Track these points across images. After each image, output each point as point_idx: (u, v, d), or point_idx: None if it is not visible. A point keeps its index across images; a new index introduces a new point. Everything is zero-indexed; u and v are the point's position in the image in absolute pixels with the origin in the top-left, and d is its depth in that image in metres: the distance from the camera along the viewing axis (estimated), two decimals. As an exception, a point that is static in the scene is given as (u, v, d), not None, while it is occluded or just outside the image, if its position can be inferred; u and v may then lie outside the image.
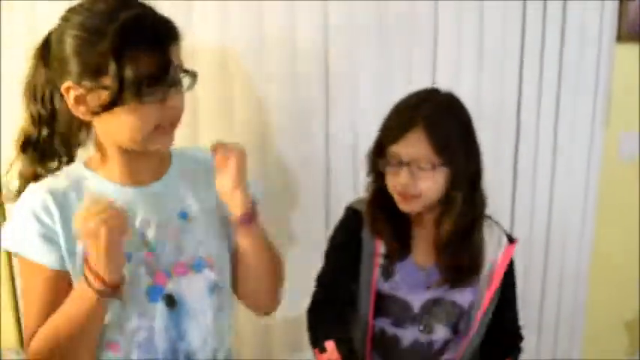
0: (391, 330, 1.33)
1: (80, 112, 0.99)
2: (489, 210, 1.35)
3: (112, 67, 0.92)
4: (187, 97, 1.59)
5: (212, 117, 1.67)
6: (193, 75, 1.02)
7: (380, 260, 1.31)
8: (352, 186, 1.83)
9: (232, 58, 1.66)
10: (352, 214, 1.36)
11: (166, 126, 1.02)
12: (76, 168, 1.09)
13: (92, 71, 0.95)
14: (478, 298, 1.30)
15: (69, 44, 0.96)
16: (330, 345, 1.24)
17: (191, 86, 1.03)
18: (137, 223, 1.06)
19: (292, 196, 1.81)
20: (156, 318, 1.08)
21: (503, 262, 1.30)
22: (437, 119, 1.22)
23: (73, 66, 0.96)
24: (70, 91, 0.98)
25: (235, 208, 1.10)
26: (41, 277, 1.03)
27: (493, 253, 1.30)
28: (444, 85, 1.83)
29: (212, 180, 1.14)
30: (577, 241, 2.27)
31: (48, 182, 1.06)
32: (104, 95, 0.95)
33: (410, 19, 1.81)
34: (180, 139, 1.12)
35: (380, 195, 1.30)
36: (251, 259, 1.17)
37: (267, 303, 1.27)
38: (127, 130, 1.00)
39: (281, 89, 1.72)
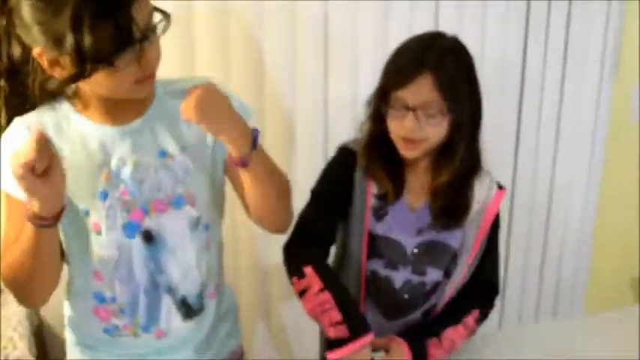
0: (383, 271, 1.33)
1: (56, 73, 0.98)
2: (488, 166, 1.33)
3: (70, 41, 0.89)
4: (186, 59, 1.67)
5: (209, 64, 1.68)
6: (166, 16, 0.98)
7: (372, 201, 1.30)
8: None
9: (233, 21, 1.66)
10: (346, 154, 1.34)
11: (145, 79, 1.01)
12: (61, 104, 1.09)
13: (55, 41, 0.92)
14: (465, 241, 1.30)
15: (27, 12, 0.93)
16: (308, 269, 1.24)
17: (165, 29, 0.99)
18: (114, 161, 1.07)
19: (290, 153, 1.82)
20: (133, 252, 1.10)
21: (493, 207, 1.29)
22: (444, 64, 1.19)
23: (37, 34, 0.93)
24: (43, 57, 0.96)
25: (229, 149, 1.07)
26: (19, 210, 1.03)
27: (482, 197, 1.29)
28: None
29: None
30: (581, 201, 2.25)
31: (30, 117, 1.07)
32: (75, 62, 0.93)
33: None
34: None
35: (377, 138, 1.28)
36: (257, 188, 1.13)
37: (282, 222, 1.24)
38: (106, 89, 1.00)
39: (280, 51, 1.72)
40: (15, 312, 1.56)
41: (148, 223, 1.09)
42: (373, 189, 1.30)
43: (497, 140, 2.03)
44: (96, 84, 0.98)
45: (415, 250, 1.31)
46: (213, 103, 0.99)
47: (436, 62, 1.18)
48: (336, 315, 1.18)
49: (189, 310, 1.17)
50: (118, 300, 1.12)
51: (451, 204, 1.27)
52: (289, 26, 1.71)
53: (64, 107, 1.08)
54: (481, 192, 1.30)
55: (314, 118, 1.82)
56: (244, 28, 1.67)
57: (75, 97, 1.08)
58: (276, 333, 1.96)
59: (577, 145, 2.18)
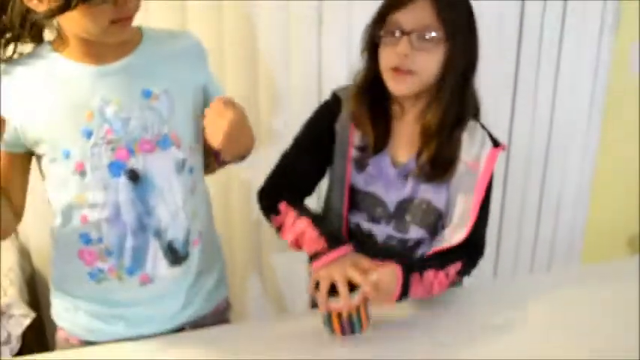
0: (365, 225, 1.31)
1: (33, 5, 0.99)
2: (485, 119, 1.29)
3: None
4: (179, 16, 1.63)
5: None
6: None
7: (353, 153, 1.27)
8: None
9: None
10: (332, 101, 1.31)
11: (122, 21, 1.01)
12: (42, 48, 1.09)
13: None
14: (451, 202, 1.26)
15: None
16: (282, 205, 1.25)
17: None
18: (96, 100, 1.07)
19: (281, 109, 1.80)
20: (119, 192, 1.10)
21: (488, 166, 1.23)
22: None
23: None
24: None
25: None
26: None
27: (473, 155, 1.23)
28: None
29: (184, 59, 1.16)
30: (579, 158, 2.24)
31: (10, 65, 1.08)
32: None
33: None
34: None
35: (370, 79, 1.24)
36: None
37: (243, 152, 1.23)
38: (83, 27, 1.00)
39: (274, 27, 1.71)
40: (6, 259, 1.56)
41: (134, 162, 1.09)
42: (355, 139, 1.27)
43: (494, 93, 2.01)
44: (72, 22, 0.99)
45: (396, 206, 1.27)
46: (240, 135, 1.07)
47: None
48: (314, 234, 1.19)
49: (175, 255, 1.17)
50: (104, 241, 1.12)
51: (437, 155, 1.22)
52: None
53: (45, 48, 1.08)
54: (471, 149, 1.23)
55: (307, 95, 1.80)
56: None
57: (56, 37, 1.07)
58: (267, 285, 1.97)
59: (576, 100, 2.15)
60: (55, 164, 1.09)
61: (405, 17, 1.15)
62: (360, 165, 1.28)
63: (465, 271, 1.28)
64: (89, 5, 0.94)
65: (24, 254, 1.70)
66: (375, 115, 1.26)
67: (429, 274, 1.22)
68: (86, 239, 1.12)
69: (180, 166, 1.14)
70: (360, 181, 1.28)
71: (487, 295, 1.36)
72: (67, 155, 1.07)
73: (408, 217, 1.28)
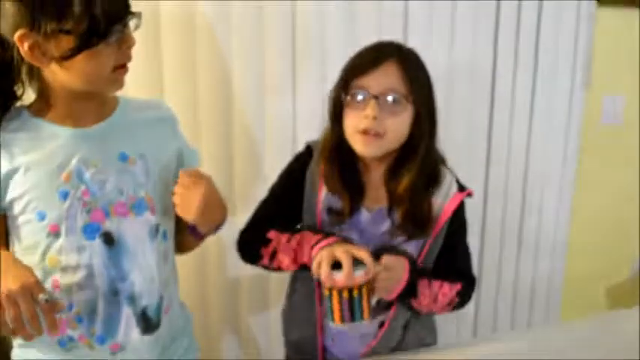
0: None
1: (36, 60, 0.98)
2: (459, 169, 1.33)
3: (78, 8, 0.93)
4: (153, 62, 1.63)
5: (177, 83, 1.65)
6: (138, 16, 1.03)
7: (325, 215, 1.28)
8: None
9: (200, 26, 1.64)
10: (305, 151, 1.33)
11: (122, 66, 1.05)
12: (19, 112, 1.09)
13: (53, 15, 0.94)
14: (422, 243, 1.28)
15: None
16: (271, 233, 1.25)
17: (138, 26, 1.04)
18: (74, 162, 1.06)
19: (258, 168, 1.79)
20: (93, 255, 1.08)
21: (447, 210, 1.26)
22: (408, 55, 1.21)
23: (28, 12, 0.94)
24: (25, 41, 0.96)
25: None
26: None
27: (440, 201, 1.26)
28: (415, 39, 1.83)
29: (159, 127, 1.19)
30: (555, 209, 2.25)
31: None
32: (66, 40, 0.95)
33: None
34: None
35: (336, 140, 1.26)
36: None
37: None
38: (85, 74, 1.00)
39: (247, 61, 1.70)
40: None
41: (109, 225, 1.09)
42: (323, 196, 1.28)
43: (468, 150, 2.03)
44: (73, 72, 0.99)
45: (372, 254, 1.26)
46: (211, 209, 1.12)
47: (399, 52, 1.20)
48: (312, 235, 1.21)
49: (148, 323, 1.14)
50: (74, 307, 1.09)
51: (414, 211, 1.24)
52: (256, 30, 1.69)
53: (22, 113, 1.08)
54: (440, 195, 1.27)
55: (282, 124, 1.79)
56: (211, 32, 1.65)
57: (35, 101, 1.08)
58: (244, 345, 1.92)
59: (549, 152, 2.17)
60: (28, 226, 1.07)
61: (371, 81, 1.17)
62: (332, 213, 1.27)
63: (463, 295, 1.30)
64: (96, 50, 0.96)
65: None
66: (346, 178, 1.26)
67: (436, 283, 1.24)
68: None
69: (154, 232, 1.14)
70: (332, 228, 1.28)
71: (468, 355, 1.35)
72: (42, 217, 1.05)
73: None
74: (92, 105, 1.10)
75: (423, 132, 1.21)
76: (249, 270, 1.80)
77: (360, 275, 1.09)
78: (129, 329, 1.12)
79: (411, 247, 1.27)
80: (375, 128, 1.17)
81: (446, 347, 1.41)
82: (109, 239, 1.09)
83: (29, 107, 1.09)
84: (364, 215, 1.28)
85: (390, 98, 1.16)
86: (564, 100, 2.13)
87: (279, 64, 1.74)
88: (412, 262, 1.22)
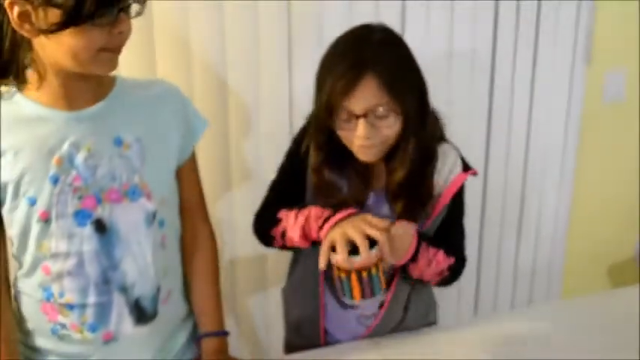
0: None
1: (24, 29, 0.94)
2: (461, 151, 1.31)
3: None
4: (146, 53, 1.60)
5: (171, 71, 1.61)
6: (139, 2, 0.99)
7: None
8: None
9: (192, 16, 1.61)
10: (304, 128, 1.31)
11: (112, 50, 1.00)
12: (7, 92, 1.06)
13: None
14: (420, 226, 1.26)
15: None
16: (280, 213, 1.24)
17: (140, 12, 1.00)
18: (65, 146, 1.03)
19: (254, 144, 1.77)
20: (84, 242, 1.06)
21: (451, 187, 1.25)
22: (383, 60, 1.14)
23: None
24: (14, 7, 0.92)
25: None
26: None
27: (444, 178, 1.25)
28: (414, 28, 1.80)
29: (159, 107, 1.14)
30: (556, 189, 2.23)
31: None
32: (53, 14, 0.91)
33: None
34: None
35: (328, 152, 1.24)
36: None
37: None
38: (72, 52, 0.96)
39: (242, 45, 1.66)
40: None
41: (101, 212, 1.06)
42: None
43: (468, 129, 2.00)
44: (60, 48, 0.95)
45: None
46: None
47: (374, 60, 1.13)
48: (319, 210, 1.19)
49: (141, 314, 1.12)
50: (65, 295, 1.07)
51: (414, 196, 1.23)
52: (252, 20, 1.65)
53: (10, 92, 1.05)
54: (442, 172, 1.25)
55: (278, 115, 1.76)
56: (204, 22, 1.62)
57: (27, 81, 1.03)
58: (242, 328, 1.91)
59: (550, 131, 2.15)
60: (17, 211, 1.05)
61: (354, 103, 1.13)
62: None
63: (454, 270, 1.28)
64: (84, 28, 0.93)
65: None
66: (347, 168, 1.25)
67: (433, 249, 1.23)
68: (48, 293, 1.07)
69: (150, 219, 1.11)
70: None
71: (468, 334, 1.34)
72: (33, 202, 1.03)
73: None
74: (87, 86, 1.05)
75: (412, 126, 1.18)
76: (245, 249, 1.80)
77: (375, 253, 1.08)
78: (121, 319, 1.10)
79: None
80: (370, 143, 1.16)
81: (446, 326, 1.41)
82: (100, 226, 1.06)
83: (20, 87, 1.05)
84: (372, 199, 1.27)
85: (377, 114, 1.14)
86: (565, 79, 2.10)
87: (275, 50, 1.70)
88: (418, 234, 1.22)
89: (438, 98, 1.27)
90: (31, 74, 1.03)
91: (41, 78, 1.02)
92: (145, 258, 1.10)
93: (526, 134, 2.11)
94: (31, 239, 1.05)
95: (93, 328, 1.09)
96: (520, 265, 2.26)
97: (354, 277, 1.08)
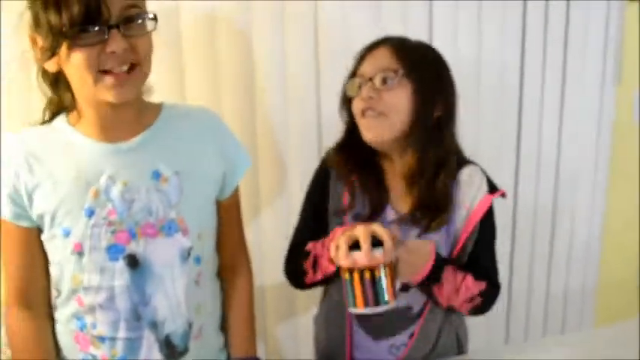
0: None
1: (40, 61, 0.99)
2: (488, 170, 1.30)
3: (41, 15, 0.93)
4: (174, 59, 1.64)
5: (199, 79, 1.62)
6: (153, 18, 0.99)
7: (350, 215, 1.25)
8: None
9: (222, 32, 1.62)
10: (323, 163, 1.34)
11: (116, 72, 0.97)
12: (59, 120, 1.09)
13: (33, 19, 0.96)
14: (454, 244, 1.24)
15: None
16: (309, 246, 1.23)
17: (150, 28, 0.99)
18: (103, 179, 1.03)
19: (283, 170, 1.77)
20: (115, 277, 1.05)
21: (479, 210, 1.23)
22: (405, 41, 1.25)
23: (28, 16, 0.97)
24: (34, 41, 0.99)
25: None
26: (10, 235, 1.08)
27: (471, 199, 1.24)
28: (440, 39, 1.80)
29: (200, 139, 1.12)
30: (587, 211, 2.19)
31: (25, 133, 1.08)
32: (45, 38, 0.95)
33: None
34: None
35: (348, 134, 1.28)
36: None
37: None
38: (78, 76, 0.97)
39: (271, 61, 1.67)
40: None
41: (134, 247, 1.05)
42: (348, 200, 1.27)
43: (497, 151, 1.98)
44: (70, 72, 0.98)
45: None
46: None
47: (397, 39, 1.24)
48: (344, 229, 1.15)
49: (172, 350, 1.10)
50: (97, 327, 1.07)
51: (422, 201, 1.23)
52: (279, 34, 1.67)
53: (60, 121, 1.08)
54: (470, 193, 1.24)
55: (306, 131, 1.76)
56: (234, 39, 1.63)
57: (72, 109, 1.07)
58: (272, 355, 1.90)
59: (581, 153, 2.12)
60: (53, 242, 1.05)
61: (366, 66, 1.22)
62: (359, 219, 1.25)
63: (486, 297, 1.24)
64: (75, 49, 0.93)
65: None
66: (366, 175, 1.26)
67: (461, 273, 1.20)
68: (81, 323, 1.08)
69: (186, 255, 1.09)
70: None
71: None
72: (67, 234, 1.03)
73: None
74: (125, 116, 1.06)
75: (427, 111, 1.21)
76: (274, 278, 1.80)
77: (380, 254, 1.03)
78: (151, 354, 1.09)
79: (443, 251, 1.24)
80: (373, 107, 1.19)
81: (476, 354, 1.38)
82: (132, 261, 1.05)
83: (68, 117, 1.08)
84: (390, 215, 1.25)
85: (382, 76, 1.18)
86: (595, 98, 2.08)
87: (303, 71, 1.71)
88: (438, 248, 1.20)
89: (466, 122, 1.28)
90: (73, 107, 1.07)
91: (79, 109, 1.05)
92: (177, 295, 1.08)
93: (556, 155, 2.09)
94: (67, 270, 1.06)
95: None
96: (552, 290, 2.21)
97: (356, 277, 1.04)
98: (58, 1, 0.90)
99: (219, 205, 1.18)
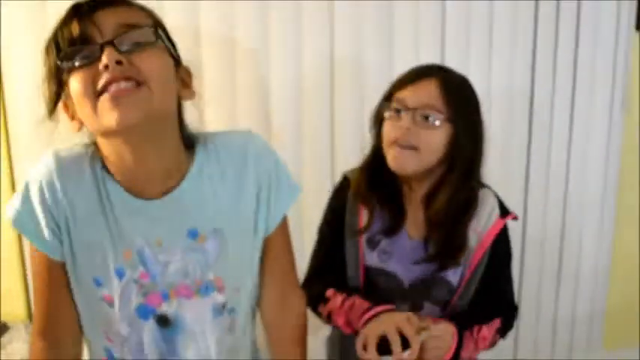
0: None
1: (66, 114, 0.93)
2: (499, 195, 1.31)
3: (46, 62, 0.89)
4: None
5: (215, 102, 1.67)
6: (155, 31, 0.89)
7: (364, 237, 1.27)
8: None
9: (239, 46, 1.67)
10: (341, 184, 1.33)
11: (113, 90, 0.83)
12: (95, 161, 0.97)
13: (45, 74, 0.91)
14: (464, 272, 1.25)
15: None
16: (329, 292, 1.24)
17: (155, 40, 0.88)
18: (138, 239, 0.95)
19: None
20: (145, 332, 0.99)
21: (490, 234, 1.24)
22: (451, 76, 1.22)
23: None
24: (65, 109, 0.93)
25: None
26: (41, 263, 0.98)
27: (483, 225, 1.24)
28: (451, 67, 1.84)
29: (243, 186, 1.00)
30: (595, 241, 2.21)
31: (64, 153, 0.97)
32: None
33: (416, 5, 1.80)
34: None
35: (374, 157, 1.27)
36: None
37: None
38: (81, 111, 0.88)
39: (285, 83, 1.71)
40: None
41: (166, 308, 0.98)
42: (365, 219, 1.27)
43: (507, 171, 2.02)
44: (78, 108, 0.87)
45: (411, 283, 1.26)
46: None
47: (443, 72, 1.22)
48: (363, 302, 1.18)
49: None
50: None
51: (445, 243, 1.23)
52: (295, 63, 1.72)
53: (97, 164, 0.96)
54: (481, 219, 1.25)
55: (320, 171, 1.80)
56: (250, 61, 1.68)
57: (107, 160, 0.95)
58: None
59: (589, 176, 2.15)
60: (84, 284, 0.98)
61: (410, 95, 1.18)
62: (372, 242, 1.27)
63: (503, 329, 1.27)
64: (76, 73, 0.85)
65: None
66: (385, 196, 1.26)
67: (476, 329, 1.21)
68: (110, 355, 1.03)
69: (220, 310, 1.01)
70: (373, 258, 1.28)
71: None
72: (98, 284, 0.96)
73: (423, 294, 1.27)
74: (156, 167, 0.94)
75: (462, 154, 1.19)
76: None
77: (407, 355, 1.05)
78: None
79: (452, 276, 1.25)
80: (407, 140, 1.17)
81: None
82: (163, 321, 0.99)
83: (104, 166, 0.96)
84: (404, 240, 1.27)
85: (425, 113, 1.16)
86: (603, 124, 2.11)
87: (317, 100, 1.76)
88: (458, 322, 1.19)
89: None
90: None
91: (109, 161, 0.95)
92: (207, 347, 1.02)
93: (565, 180, 2.11)
94: (96, 311, 0.99)
95: None
96: (560, 313, 2.23)
97: None
98: (55, 36, 0.87)
99: (266, 239, 1.06)
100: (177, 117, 0.95)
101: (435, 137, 1.17)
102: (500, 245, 1.27)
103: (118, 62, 0.83)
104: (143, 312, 0.97)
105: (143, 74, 0.85)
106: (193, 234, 0.97)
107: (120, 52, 0.84)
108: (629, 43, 2.09)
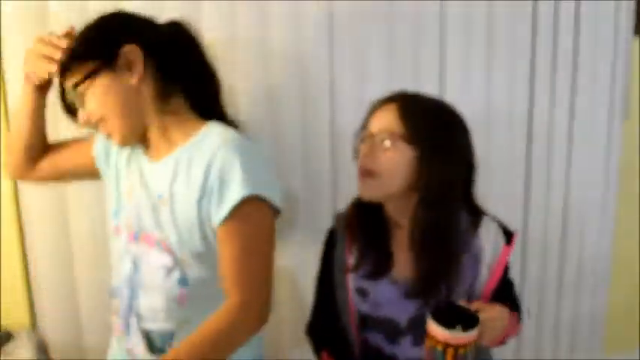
0: (387, 348, 1.28)
1: None
2: (498, 203, 1.33)
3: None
4: None
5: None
6: (76, 85, 1.15)
7: (352, 279, 1.27)
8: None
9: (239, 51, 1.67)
10: (330, 233, 1.35)
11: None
12: None
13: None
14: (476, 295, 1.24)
15: None
16: (323, 355, 1.30)
17: (77, 101, 1.17)
18: (136, 186, 1.22)
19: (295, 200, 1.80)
20: (123, 270, 1.24)
21: (499, 265, 1.24)
22: (414, 100, 1.21)
23: None
24: None
25: None
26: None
27: (491, 256, 1.23)
28: (452, 85, 1.85)
29: (197, 172, 1.13)
30: (596, 245, 2.22)
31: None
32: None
33: (416, 18, 1.80)
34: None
35: (361, 204, 1.27)
36: None
37: None
38: None
39: (286, 88, 1.73)
40: (24, 354, 1.55)
41: (135, 249, 1.21)
42: (352, 261, 1.27)
43: (507, 186, 2.02)
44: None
45: (409, 321, 1.26)
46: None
47: (409, 97, 1.21)
48: None
49: (151, 344, 1.21)
50: (114, 307, 1.28)
51: (429, 267, 1.20)
52: (296, 72, 1.73)
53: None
54: (489, 250, 1.23)
55: (320, 208, 1.81)
56: (250, 62, 1.68)
57: None
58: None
59: (589, 187, 2.15)
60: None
61: (373, 122, 1.21)
62: (362, 293, 1.27)
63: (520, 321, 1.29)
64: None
65: (41, 349, 1.69)
66: (371, 239, 1.26)
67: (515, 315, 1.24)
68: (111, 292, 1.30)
69: (167, 273, 1.17)
70: (366, 307, 1.28)
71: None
72: (115, 213, 1.28)
73: (423, 328, 1.20)
74: (160, 140, 1.21)
75: (431, 176, 1.16)
76: (290, 303, 1.83)
77: (475, 334, 1.09)
78: (137, 340, 1.21)
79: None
80: (366, 165, 1.18)
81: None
82: (134, 261, 1.22)
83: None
84: (388, 285, 1.26)
85: (382, 137, 1.17)
86: (603, 134, 2.12)
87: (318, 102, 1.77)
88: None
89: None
90: None
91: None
92: (156, 304, 1.19)
93: (564, 189, 2.12)
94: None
95: (122, 340, 1.26)
96: (562, 317, 2.23)
97: (450, 352, 1.08)
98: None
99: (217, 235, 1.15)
100: (171, 112, 1.19)
101: (393, 160, 1.17)
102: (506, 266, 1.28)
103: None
104: (127, 245, 1.23)
105: (93, 117, 1.18)
106: (159, 196, 1.18)
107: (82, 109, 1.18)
108: (628, 47, 2.10)
